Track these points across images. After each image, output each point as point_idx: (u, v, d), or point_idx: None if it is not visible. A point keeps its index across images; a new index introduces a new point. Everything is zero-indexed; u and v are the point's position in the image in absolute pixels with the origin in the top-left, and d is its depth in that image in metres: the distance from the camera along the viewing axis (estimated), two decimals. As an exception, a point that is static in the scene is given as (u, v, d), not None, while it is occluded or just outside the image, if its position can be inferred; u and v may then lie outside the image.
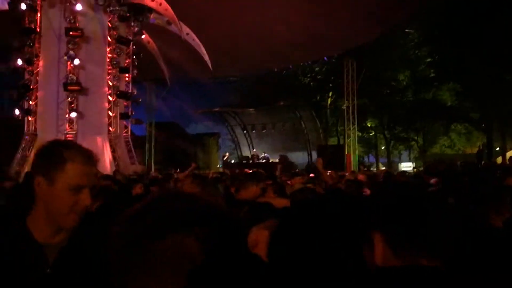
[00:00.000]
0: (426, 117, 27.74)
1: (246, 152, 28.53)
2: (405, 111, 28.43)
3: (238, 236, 0.77)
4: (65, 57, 13.62)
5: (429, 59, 27.64)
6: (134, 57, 15.90)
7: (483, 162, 20.65)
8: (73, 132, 13.90)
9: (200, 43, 17.44)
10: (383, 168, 33.21)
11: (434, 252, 1.05)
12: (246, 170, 9.98)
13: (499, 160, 25.79)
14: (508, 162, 21.22)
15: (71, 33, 13.51)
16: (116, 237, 0.74)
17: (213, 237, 0.72)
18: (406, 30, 23.70)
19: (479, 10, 22.16)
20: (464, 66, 24.17)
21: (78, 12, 13.70)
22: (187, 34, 16.78)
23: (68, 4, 13.38)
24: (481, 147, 24.72)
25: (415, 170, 28.73)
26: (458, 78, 26.02)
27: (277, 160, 22.59)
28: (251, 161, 24.09)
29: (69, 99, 13.79)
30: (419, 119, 28.31)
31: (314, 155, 25.84)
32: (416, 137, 31.90)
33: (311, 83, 31.62)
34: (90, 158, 1.46)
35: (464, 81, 25.93)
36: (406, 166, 34.02)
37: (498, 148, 28.45)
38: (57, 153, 1.43)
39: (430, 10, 18.44)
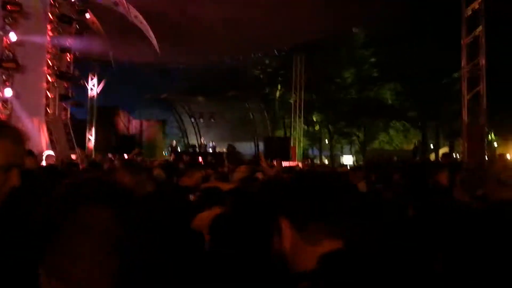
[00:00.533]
0: (368, 114, 28.88)
1: (193, 141, 28.29)
2: (349, 108, 29.43)
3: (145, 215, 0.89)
4: (1, 32, 12.78)
5: (373, 59, 28.74)
6: (78, 36, 15.25)
7: (417, 158, 21.98)
8: (8, 112, 13.12)
9: (148, 26, 17.00)
10: (326, 160, 34.35)
11: (335, 233, 1.06)
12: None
13: (432, 156, 27.55)
14: (440, 159, 22.78)
15: (8, 6, 12.68)
16: (42, 209, 0.84)
17: (125, 213, 0.83)
18: (353, 30, 24.47)
19: (421, 14, 23.30)
20: (405, 68, 25.39)
21: (16, -15, 12.86)
22: (135, 16, 16.29)
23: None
24: (416, 144, 26.25)
25: (355, 163, 29.97)
26: (399, 78, 27.31)
27: (224, 150, 22.66)
28: (198, 150, 24.00)
29: (3, 76, 12.97)
30: (362, 116, 29.43)
31: (261, 146, 26.16)
32: (357, 133, 33.17)
33: (261, 76, 31.85)
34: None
35: (404, 82, 27.28)
36: (347, 159, 35.43)
37: (432, 146, 30.30)
38: None
39: (376, 12, 19.12)
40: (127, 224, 0.82)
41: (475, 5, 11.92)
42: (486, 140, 12.60)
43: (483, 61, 11.78)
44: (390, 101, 29.26)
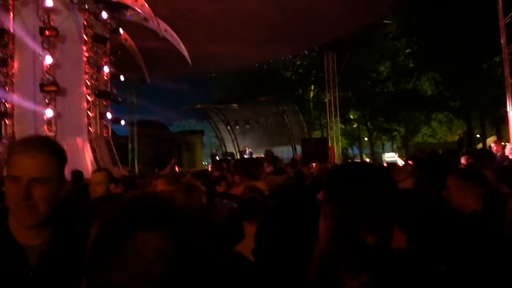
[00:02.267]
0: (407, 107, 28.03)
1: (231, 148, 28.45)
2: (387, 102, 28.69)
3: (199, 236, 0.85)
4: (40, 57, 13.36)
5: (408, 50, 27.89)
6: (112, 55, 15.70)
7: (463, 149, 21.03)
8: (52, 134, 13.63)
9: (178, 39, 17.26)
10: (367, 159, 33.57)
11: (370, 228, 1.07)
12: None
13: (480, 147, 26.30)
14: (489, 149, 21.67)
15: (46, 32, 13.24)
16: (92, 237, 0.78)
17: (184, 236, 0.77)
18: (385, 21, 23.84)
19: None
20: (442, 56, 24.45)
21: (52, 10, 13.40)
22: (165, 30, 16.60)
23: (40, 2, 13.06)
24: (461, 135, 25.15)
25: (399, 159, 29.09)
26: (436, 68, 26.32)
27: (262, 155, 22.59)
28: (236, 157, 24.08)
29: (46, 100, 13.53)
30: (401, 109, 28.60)
31: (299, 148, 25.93)
32: (398, 128, 32.24)
33: (293, 77, 31.66)
34: (31, 147, 1.36)
35: (443, 71, 26.25)
36: (389, 156, 34.46)
37: (478, 136, 28.97)
38: (11, 145, 1.42)
39: (408, 1, 18.55)
40: (184, 248, 0.75)
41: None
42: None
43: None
44: (429, 92, 28.24)
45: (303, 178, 6.54)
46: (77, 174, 7.04)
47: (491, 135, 27.15)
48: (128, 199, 0.83)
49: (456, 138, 26.64)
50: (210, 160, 24.70)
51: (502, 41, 11.60)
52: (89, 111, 14.67)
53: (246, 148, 23.70)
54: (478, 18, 20.58)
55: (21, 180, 1.33)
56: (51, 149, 1.40)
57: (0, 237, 1.37)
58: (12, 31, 13.85)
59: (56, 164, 1.40)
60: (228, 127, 29.28)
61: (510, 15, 11.49)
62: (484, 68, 23.52)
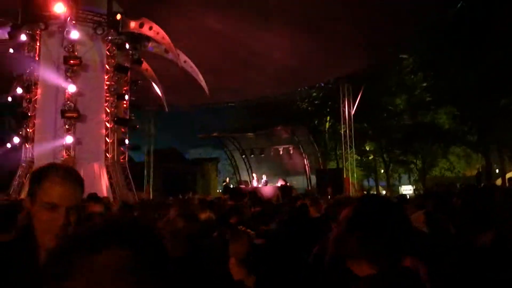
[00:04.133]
0: (423, 139, 27.78)
1: (245, 177, 28.45)
2: (403, 135, 28.51)
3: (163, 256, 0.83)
4: (63, 85, 13.83)
5: (425, 84, 27.91)
6: (133, 84, 16.17)
7: (482, 184, 20.60)
8: (71, 159, 13.94)
9: (197, 70, 17.67)
10: (383, 191, 33.10)
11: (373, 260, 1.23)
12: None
13: (499, 182, 25.71)
14: (508, 184, 21.13)
15: (70, 61, 13.75)
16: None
17: (146, 253, 0.78)
18: (401, 56, 24.00)
19: (473, 33, 22.51)
20: (459, 90, 24.37)
21: (76, 41, 13.96)
22: (185, 61, 17.04)
23: (66, 33, 13.62)
24: (480, 169, 24.71)
25: (416, 192, 28.64)
26: (454, 101, 26.20)
27: (278, 184, 22.50)
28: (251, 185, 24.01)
29: (66, 126, 13.91)
30: (417, 142, 28.34)
31: (313, 179, 25.80)
32: (415, 160, 31.86)
33: (309, 108, 31.85)
34: (67, 178, 1.48)
35: (460, 105, 26.10)
36: (406, 189, 33.91)
37: (497, 171, 28.39)
38: (40, 172, 1.50)
39: (423, 36, 18.71)
40: (144, 266, 0.77)
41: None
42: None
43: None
44: (447, 125, 27.99)
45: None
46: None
47: (510, 170, 26.58)
48: (104, 220, 0.87)
49: (475, 172, 26.17)
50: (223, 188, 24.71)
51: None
52: (107, 137, 14.99)
53: (263, 176, 23.61)
54: (496, 53, 20.60)
55: (61, 208, 1.44)
56: (80, 179, 1.53)
57: (29, 261, 1.43)
58: (37, 59, 14.45)
59: (82, 193, 1.54)
60: (243, 156, 29.40)
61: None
62: (502, 102, 23.32)
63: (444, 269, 2.37)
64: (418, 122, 28.41)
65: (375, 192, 29.79)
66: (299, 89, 24.57)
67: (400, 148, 30.32)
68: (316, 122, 31.90)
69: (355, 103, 22.46)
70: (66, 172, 1.50)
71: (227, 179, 25.47)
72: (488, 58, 22.09)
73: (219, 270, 2.92)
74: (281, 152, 27.60)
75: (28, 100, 14.35)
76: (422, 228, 4.13)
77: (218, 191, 28.28)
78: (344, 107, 22.65)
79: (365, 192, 24.32)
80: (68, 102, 13.84)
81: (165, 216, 4.28)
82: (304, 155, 27.91)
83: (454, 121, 27.82)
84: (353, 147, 23.26)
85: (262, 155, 27.78)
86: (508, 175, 24.18)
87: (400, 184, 36.96)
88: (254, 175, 24.41)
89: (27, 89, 14.27)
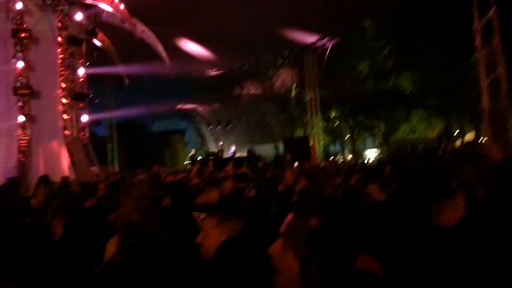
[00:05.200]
0: (387, 105, 28.26)
1: (213, 148, 28.33)
2: (367, 100, 28.86)
3: None
4: (13, 60, 13.05)
5: (387, 50, 28.11)
6: (88, 56, 15.45)
7: (442, 145, 21.34)
8: (27, 137, 13.37)
9: (157, 40, 17.06)
10: (350, 155, 33.82)
11: None
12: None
13: (459, 143, 26.72)
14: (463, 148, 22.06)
15: (18, 34, 12.94)
16: None
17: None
18: (363, 22, 23.96)
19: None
20: (420, 55, 24.70)
21: (25, 12, 13.09)
22: (143, 31, 16.38)
23: (11, 4, 12.74)
24: (440, 131, 25.54)
25: (380, 155, 29.42)
26: (415, 67, 26.58)
27: (244, 154, 22.53)
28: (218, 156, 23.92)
29: (20, 103, 13.23)
30: (381, 107, 28.81)
31: (281, 147, 26.00)
32: (379, 125, 32.49)
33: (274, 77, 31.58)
34: None
35: (421, 70, 26.53)
36: (371, 152, 34.75)
37: (457, 131, 29.41)
38: None
39: (384, 2, 18.68)
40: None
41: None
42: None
43: (498, 44, 11.29)
44: (409, 90, 28.53)
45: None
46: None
47: (470, 131, 27.63)
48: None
49: (436, 134, 27.06)
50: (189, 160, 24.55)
51: (476, 43, 11.80)
52: (65, 113, 14.40)
53: (232, 147, 23.54)
54: (455, 20, 20.86)
55: None
56: None
57: None
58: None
59: None
60: (210, 127, 29.16)
61: (484, 17, 11.67)
62: (462, 66, 23.86)
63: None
64: (380, 88, 28.80)
65: (341, 157, 30.41)
66: (264, 57, 24.31)
67: (364, 114, 30.77)
68: (282, 90, 31.77)
69: (319, 70, 22.48)
70: None
71: (193, 151, 25.24)
72: (446, 24, 22.34)
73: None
74: (247, 122, 27.54)
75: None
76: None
77: (186, 163, 28.02)
78: (309, 74, 22.64)
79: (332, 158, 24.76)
80: (20, 78, 13.10)
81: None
82: (271, 124, 27.95)
83: (415, 85, 28.35)
84: (319, 114, 23.45)
85: (229, 126, 27.63)
86: (467, 136, 25.17)
87: (365, 148, 37.78)
88: (221, 143, 24.32)
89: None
